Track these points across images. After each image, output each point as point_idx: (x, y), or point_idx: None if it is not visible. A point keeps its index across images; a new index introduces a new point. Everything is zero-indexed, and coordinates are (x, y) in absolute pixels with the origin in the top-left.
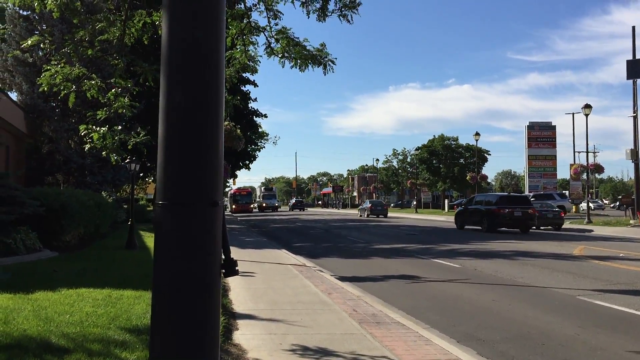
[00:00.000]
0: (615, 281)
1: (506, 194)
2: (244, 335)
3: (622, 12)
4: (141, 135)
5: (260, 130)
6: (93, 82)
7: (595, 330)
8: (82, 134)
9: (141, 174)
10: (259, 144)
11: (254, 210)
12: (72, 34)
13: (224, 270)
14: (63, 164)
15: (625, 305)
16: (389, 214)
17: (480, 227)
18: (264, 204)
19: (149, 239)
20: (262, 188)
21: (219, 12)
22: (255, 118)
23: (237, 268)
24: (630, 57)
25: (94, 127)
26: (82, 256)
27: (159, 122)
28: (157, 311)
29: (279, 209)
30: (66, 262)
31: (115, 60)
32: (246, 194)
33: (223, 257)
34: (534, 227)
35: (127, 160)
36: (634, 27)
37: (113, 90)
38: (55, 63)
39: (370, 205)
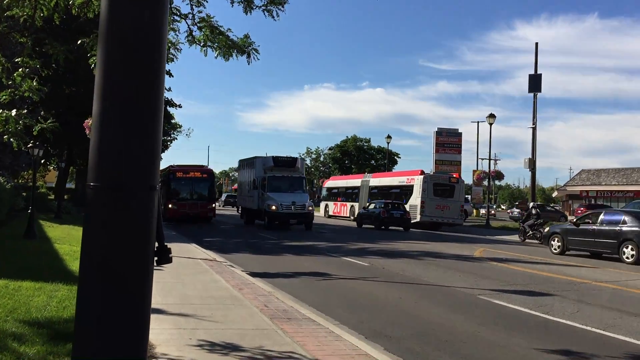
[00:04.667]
0: (512, 282)
1: (390, 201)
2: (152, 329)
3: (525, 28)
4: (49, 121)
5: (173, 121)
6: None
7: (495, 328)
8: None
9: (42, 160)
10: (172, 135)
11: (219, 209)
12: None
13: (156, 258)
14: None
15: (521, 305)
16: None
17: (373, 226)
18: (274, 206)
19: (50, 229)
20: (268, 158)
21: None
22: (169, 108)
23: (170, 256)
24: (532, 72)
25: None
26: None
27: (94, 100)
28: (84, 300)
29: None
30: None
31: (23, 38)
32: (202, 177)
33: (156, 244)
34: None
35: (30, 145)
36: (537, 44)
37: (20, 70)
38: None
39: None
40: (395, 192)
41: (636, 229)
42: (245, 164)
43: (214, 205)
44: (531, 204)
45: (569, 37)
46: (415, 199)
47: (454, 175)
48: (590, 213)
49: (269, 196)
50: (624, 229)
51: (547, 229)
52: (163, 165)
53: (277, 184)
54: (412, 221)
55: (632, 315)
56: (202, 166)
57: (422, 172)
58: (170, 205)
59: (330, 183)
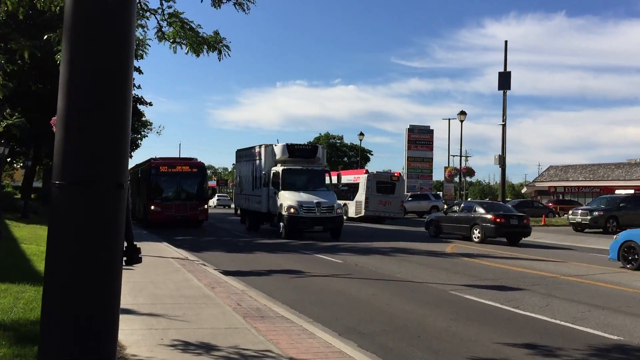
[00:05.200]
0: (483, 277)
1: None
2: (122, 330)
3: (495, 26)
4: (14, 117)
5: (144, 118)
6: None
7: (466, 323)
8: None
9: (8, 159)
10: (142, 132)
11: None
12: None
13: (125, 258)
14: None
15: (491, 300)
16: None
17: None
18: (293, 209)
19: (17, 229)
20: (281, 147)
21: None
22: (139, 105)
23: (140, 255)
24: (502, 69)
25: None
26: None
27: (58, 94)
28: (50, 301)
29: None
30: None
31: None
32: (192, 171)
33: (125, 243)
34: None
35: None
36: (506, 42)
37: None
38: None
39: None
40: (344, 190)
41: (481, 215)
42: (246, 155)
43: (206, 206)
44: (458, 200)
45: (538, 35)
46: (360, 195)
47: (395, 174)
48: (455, 203)
49: (285, 196)
50: (474, 215)
51: (427, 217)
52: (141, 161)
53: (294, 179)
54: (357, 215)
55: (600, 309)
56: (191, 159)
57: (367, 171)
58: (152, 207)
59: None
